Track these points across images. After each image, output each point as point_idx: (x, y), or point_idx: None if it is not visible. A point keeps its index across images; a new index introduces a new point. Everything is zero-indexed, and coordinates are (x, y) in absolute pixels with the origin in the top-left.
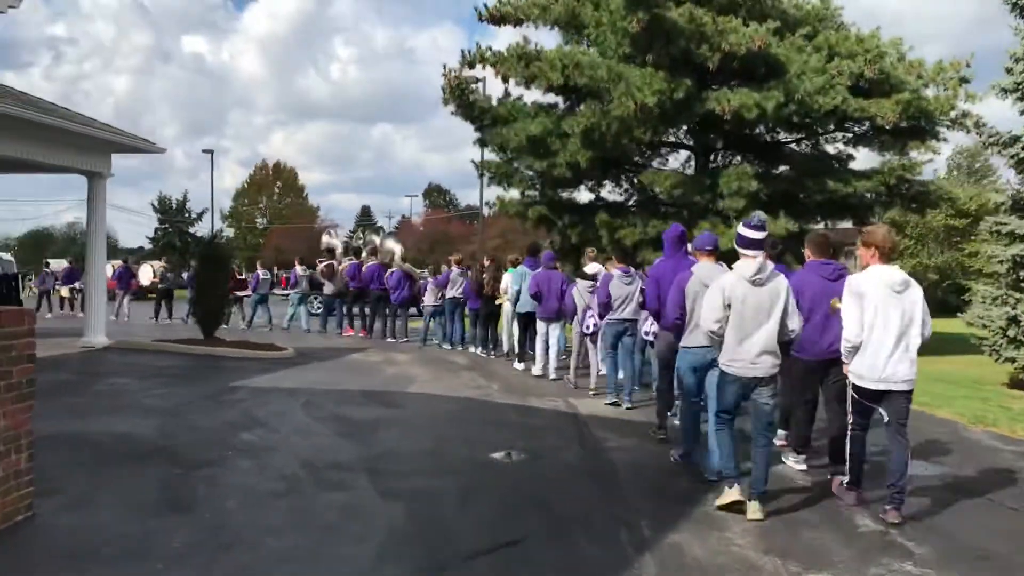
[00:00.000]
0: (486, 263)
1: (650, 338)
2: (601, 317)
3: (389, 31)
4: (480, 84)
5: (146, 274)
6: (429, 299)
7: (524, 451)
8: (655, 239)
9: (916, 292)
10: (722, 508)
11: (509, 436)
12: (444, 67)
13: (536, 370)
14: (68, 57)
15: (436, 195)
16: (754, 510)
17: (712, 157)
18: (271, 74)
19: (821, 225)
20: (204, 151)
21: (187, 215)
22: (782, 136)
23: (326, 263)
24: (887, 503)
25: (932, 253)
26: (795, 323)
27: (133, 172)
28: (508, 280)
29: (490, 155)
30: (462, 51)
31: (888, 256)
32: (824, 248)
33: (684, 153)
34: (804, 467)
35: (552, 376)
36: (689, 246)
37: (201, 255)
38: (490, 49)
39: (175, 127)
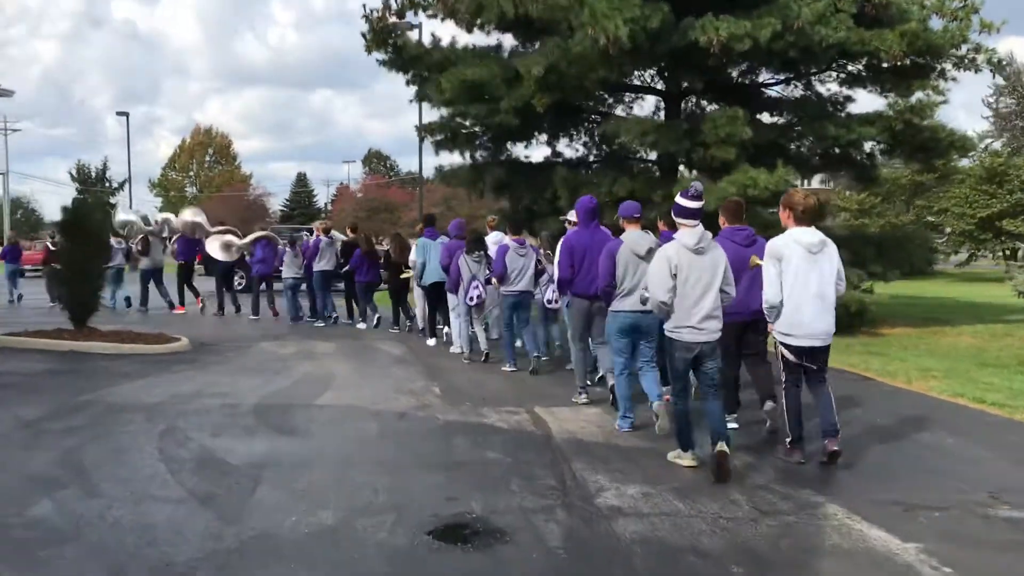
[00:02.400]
0: (349, 233)
1: (553, 306)
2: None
3: None
4: (415, 30)
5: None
6: (289, 270)
7: (481, 524)
8: (623, 199)
9: (832, 251)
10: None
11: (457, 488)
12: (364, 7)
13: (455, 347)
14: None
15: (376, 162)
16: (721, 445)
17: (684, 104)
18: (206, 39)
19: (818, 178)
20: (118, 113)
21: (108, 184)
22: (764, 77)
23: (140, 237)
24: (825, 437)
25: (899, 211)
26: (732, 289)
27: (63, 142)
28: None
29: (433, 116)
30: None
31: (806, 218)
32: (738, 214)
33: (651, 100)
34: (736, 425)
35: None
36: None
37: (63, 223)
38: None
39: (108, 95)
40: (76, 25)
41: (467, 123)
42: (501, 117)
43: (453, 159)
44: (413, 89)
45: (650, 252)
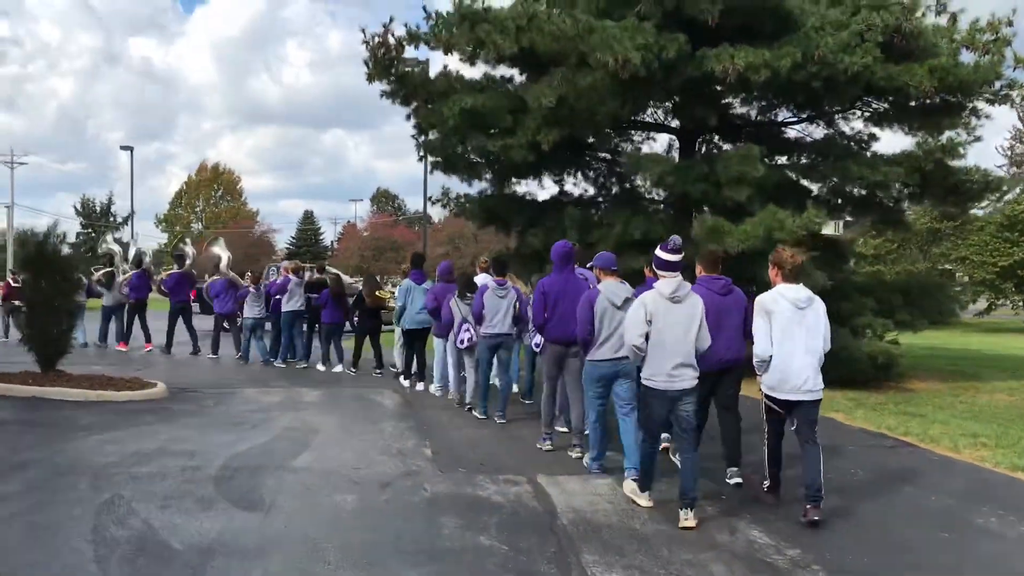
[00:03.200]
0: (306, 274)
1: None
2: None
3: (343, 34)
4: (422, 66)
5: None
6: (250, 311)
7: None
8: (639, 242)
9: (820, 307)
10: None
11: None
12: (364, 32)
13: (434, 390)
14: (11, 57)
15: (384, 201)
16: (685, 518)
17: (699, 144)
18: (221, 78)
19: (840, 222)
20: (123, 147)
21: (112, 219)
22: (783, 116)
23: (104, 271)
24: (807, 502)
25: (915, 259)
26: (706, 339)
27: (75, 177)
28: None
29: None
30: (390, 17)
31: (792, 275)
32: (715, 264)
33: (663, 140)
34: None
35: (450, 396)
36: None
37: (27, 257)
38: (425, 10)
39: (122, 131)
40: (93, 62)
41: (469, 151)
42: (506, 151)
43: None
44: (416, 126)
45: (627, 302)
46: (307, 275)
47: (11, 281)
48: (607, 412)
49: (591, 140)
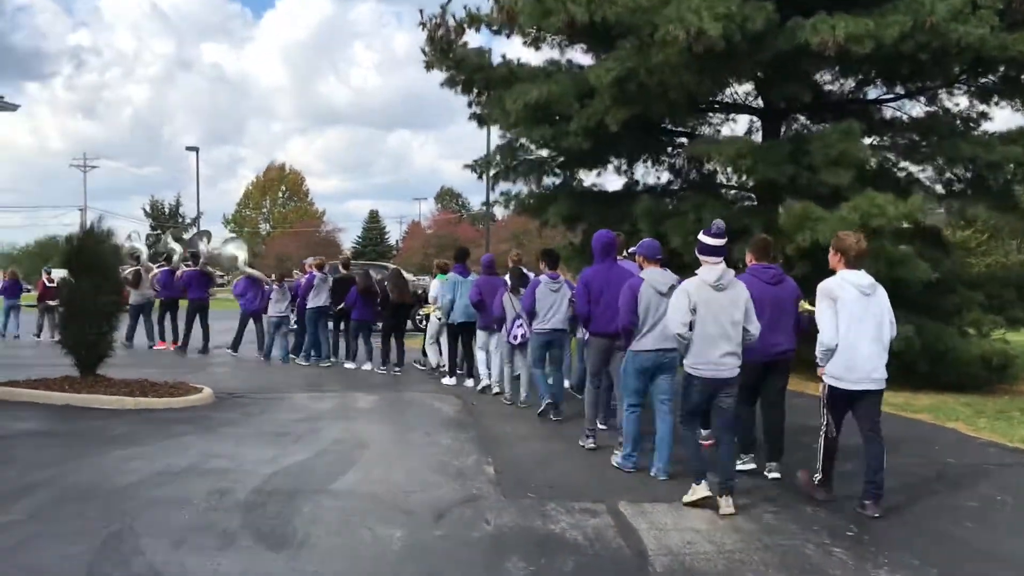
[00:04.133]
0: (335, 269)
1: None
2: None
3: (408, 35)
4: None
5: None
6: (274, 308)
7: None
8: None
9: (882, 294)
10: (690, 504)
11: None
12: (421, 14)
13: (480, 385)
14: (90, 66)
15: (448, 199)
16: (726, 505)
17: (784, 125)
18: (290, 80)
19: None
20: (188, 148)
21: (180, 220)
22: (876, 94)
23: (132, 269)
24: (865, 497)
25: (1008, 250)
26: (754, 327)
27: (150, 181)
28: (437, 288)
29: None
30: None
31: (856, 261)
32: (766, 252)
33: (743, 122)
34: (752, 466)
35: (495, 390)
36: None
37: (66, 256)
38: None
39: (194, 135)
40: (166, 68)
41: (532, 148)
42: (571, 140)
43: (514, 187)
44: (474, 115)
45: (671, 289)
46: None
47: (46, 281)
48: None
49: (663, 124)
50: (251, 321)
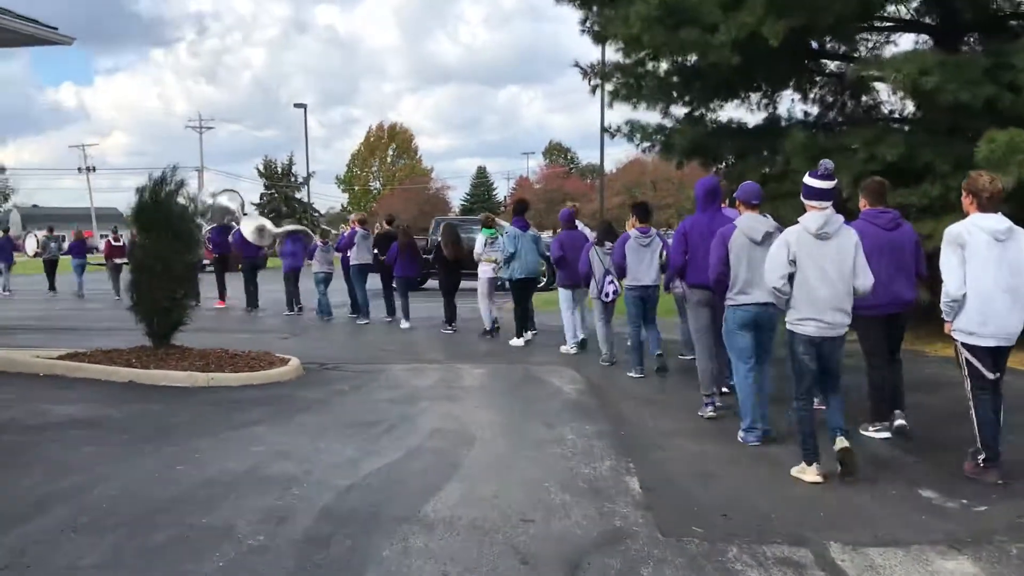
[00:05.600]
0: (383, 226)
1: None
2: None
3: None
4: None
5: (30, 245)
6: (319, 266)
7: None
8: (893, 169)
9: (1021, 238)
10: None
11: None
12: None
13: (565, 348)
14: (211, 31)
15: (556, 154)
16: (841, 442)
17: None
18: (401, 40)
19: None
20: (296, 105)
21: (293, 179)
22: None
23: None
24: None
25: None
26: (864, 280)
27: (268, 143)
28: (481, 243)
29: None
30: None
31: (991, 204)
32: (881, 196)
33: (907, 42)
34: (887, 435)
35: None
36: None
37: (137, 211)
38: None
39: (310, 97)
40: (283, 31)
41: (661, 66)
42: (718, 54)
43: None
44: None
45: (768, 237)
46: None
47: (112, 240)
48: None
49: (817, 44)
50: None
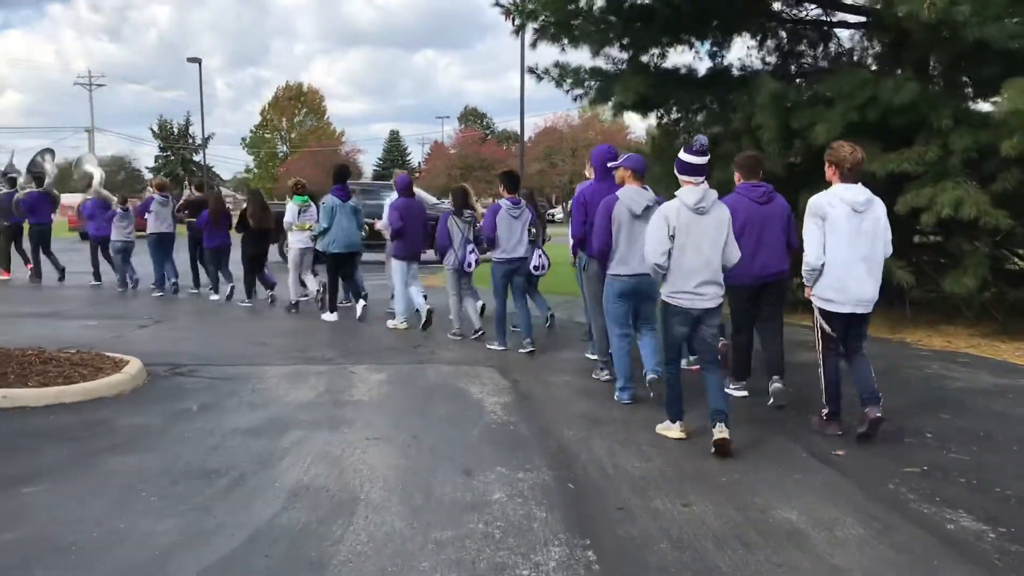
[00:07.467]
0: (191, 193)
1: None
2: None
3: None
4: None
5: None
6: (118, 233)
7: None
8: (875, 125)
9: (879, 209)
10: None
11: None
12: None
13: (393, 323)
14: None
15: (472, 119)
16: (720, 431)
17: None
18: (314, 0)
19: None
20: (190, 60)
21: (190, 141)
22: None
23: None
24: (865, 406)
25: None
26: (734, 252)
27: (175, 104)
28: (292, 212)
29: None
30: None
31: (852, 175)
32: (754, 169)
33: None
34: (744, 393)
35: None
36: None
37: None
38: None
39: (218, 58)
40: None
41: (597, 3)
42: None
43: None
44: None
45: (647, 211)
46: (187, 194)
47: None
48: None
49: None
50: (99, 249)
